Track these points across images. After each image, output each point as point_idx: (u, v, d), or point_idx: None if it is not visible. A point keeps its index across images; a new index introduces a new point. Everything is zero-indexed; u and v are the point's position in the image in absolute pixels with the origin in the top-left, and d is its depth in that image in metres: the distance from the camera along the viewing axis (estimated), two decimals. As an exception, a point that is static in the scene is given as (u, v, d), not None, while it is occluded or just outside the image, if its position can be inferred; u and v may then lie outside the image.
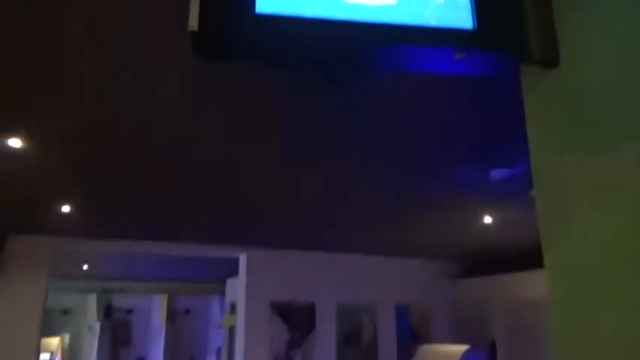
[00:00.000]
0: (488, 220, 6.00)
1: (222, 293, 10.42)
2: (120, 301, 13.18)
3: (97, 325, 12.60)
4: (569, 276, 1.37)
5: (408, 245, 8.15)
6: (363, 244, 8.05)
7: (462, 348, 5.05)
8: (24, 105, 2.98)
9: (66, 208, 5.44)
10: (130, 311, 13.57)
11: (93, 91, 2.84)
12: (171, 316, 13.66)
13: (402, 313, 9.02)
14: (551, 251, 1.36)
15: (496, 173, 3.93)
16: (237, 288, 8.42)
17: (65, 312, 12.63)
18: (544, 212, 1.39)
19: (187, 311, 14.37)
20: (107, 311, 12.86)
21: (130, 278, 12.92)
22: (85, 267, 10.40)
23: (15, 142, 3.48)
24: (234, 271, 8.81)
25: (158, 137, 3.52)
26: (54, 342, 9.56)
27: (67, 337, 12.31)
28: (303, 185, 4.79)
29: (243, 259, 8.23)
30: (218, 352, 11.79)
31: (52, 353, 9.39)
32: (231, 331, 8.58)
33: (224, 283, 9.69)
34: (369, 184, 4.77)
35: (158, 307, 13.51)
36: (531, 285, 7.75)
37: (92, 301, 12.75)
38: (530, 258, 8.32)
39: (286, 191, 5.00)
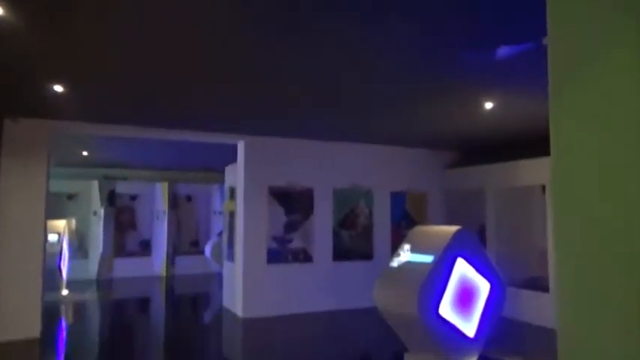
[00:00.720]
0: (488, 106, 5.92)
1: (222, 182, 10.59)
2: (123, 188, 13.53)
3: (102, 211, 13.05)
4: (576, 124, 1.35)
5: (405, 135, 8.15)
6: (360, 133, 8.05)
7: (454, 228, 5.25)
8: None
9: (58, 88, 5.31)
10: (133, 197, 13.97)
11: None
12: (174, 202, 14.11)
13: (398, 199, 9.29)
14: (558, 98, 1.32)
15: (502, 51, 3.78)
16: (236, 174, 8.57)
17: (70, 197, 13.00)
18: (555, 61, 1.33)
19: (189, 198, 14.82)
20: (110, 197, 13.24)
21: (132, 166, 13.12)
22: (85, 153, 10.48)
23: (-5, 10, 3.28)
24: (233, 160, 8.91)
25: (156, 10, 3.31)
26: (60, 224, 9.95)
27: (73, 221, 12.81)
28: (301, 71, 4.64)
29: (241, 145, 8.27)
30: (219, 236, 12.33)
31: (59, 234, 9.82)
32: (232, 215, 8.88)
33: (224, 172, 9.84)
34: (367, 69, 4.62)
35: (160, 194, 13.90)
36: (522, 173, 7.90)
37: (95, 188, 13.07)
38: (522, 148, 8.40)
39: (283, 77, 4.86)
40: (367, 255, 8.85)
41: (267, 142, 8.25)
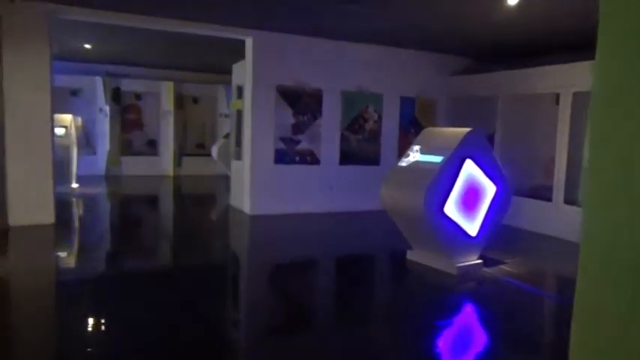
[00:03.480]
0: (512, 1, 5.58)
1: (229, 84, 10.32)
2: (128, 86, 13.30)
3: (107, 108, 12.94)
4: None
5: (419, 36, 7.79)
6: (373, 31, 7.70)
7: (465, 130, 5.18)
8: None
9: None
10: (138, 96, 13.79)
11: None
12: (179, 103, 13.95)
13: (407, 104, 9.13)
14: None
15: None
16: (244, 71, 8.35)
17: (74, 93, 12.82)
18: None
19: (195, 100, 14.62)
20: (115, 95, 13.07)
21: (136, 63, 12.80)
22: (88, 46, 10.17)
23: None
24: (239, 60, 8.65)
25: None
26: (67, 118, 9.90)
27: (79, 119, 12.74)
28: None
29: (249, 41, 7.97)
30: (225, 137, 12.30)
31: (66, 128, 9.82)
32: (239, 114, 8.79)
33: (230, 74, 9.59)
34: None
35: (166, 94, 13.69)
36: (537, 81, 7.66)
37: (99, 84, 12.85)
38: (538, 54, 8.06)
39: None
40: (374, 160, 8.87)
41: (276, 39, 7.94)
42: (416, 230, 5.25)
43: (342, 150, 8.64)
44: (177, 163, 13.95)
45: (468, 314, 4.46)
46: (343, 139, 8.64)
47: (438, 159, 5.02)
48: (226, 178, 11.92)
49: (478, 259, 5.35)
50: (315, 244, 6.75)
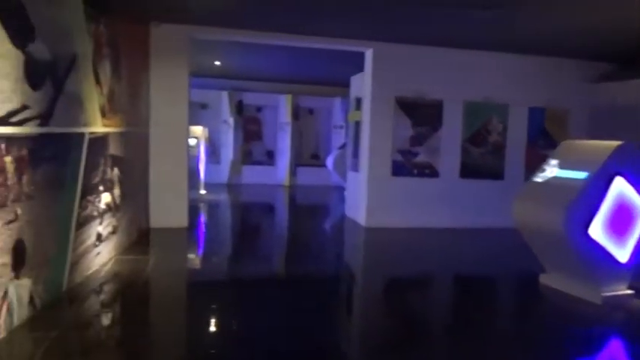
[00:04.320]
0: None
1: (344, 96, 10.45)
2: (249, 99, 14.09)
3: (231, 120, 13.82)
4: None
5: (550, 40, 7.18)
6: (498, 39, 7.26)
7: (615, 143, 4.63)
8: None
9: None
10: (258, 109, 14.52)
11: None
12: (296, 114, 14.42)
13: (535, 115, 8.49)
14: None
15: None
16: (362, 83, 8.37)
17: (203, 106, 13.86)
18: None
19: (311, 111, 15.03)
20: (239, 107, 13.91)
21: (258, 77, 13.50)
22: (218, 63, 10.91)
23: None
24: (355, 73, 8.68)
25: None
26: (198, 130, 10.73)
27: (206, 130, 13.77)
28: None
29: (369, 53, 7.97)
30: (341, 149, 12.44)
31: (197, 139, 10.65)
32: (357, 125, 8.81)
33: (346, 86, 9.69)
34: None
35: (284, 106, 14.26)
36: None
37: (225, 98, 13.78)
38: None
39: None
40: (497, 174, 8.35)
41: (396, 50, 7.85)
42: (554, 252, 4.79)
43: (463, 163, 8.25)
44: (293, 173, 14.41)
45: (617, 351, 3.95)
46: (464, 151, 8.26)
47: (581, 175, 4.55)
48: (340, 189, 12.02)
49: (628, 289, 4.74)
50: (434, 260, 6.49)
